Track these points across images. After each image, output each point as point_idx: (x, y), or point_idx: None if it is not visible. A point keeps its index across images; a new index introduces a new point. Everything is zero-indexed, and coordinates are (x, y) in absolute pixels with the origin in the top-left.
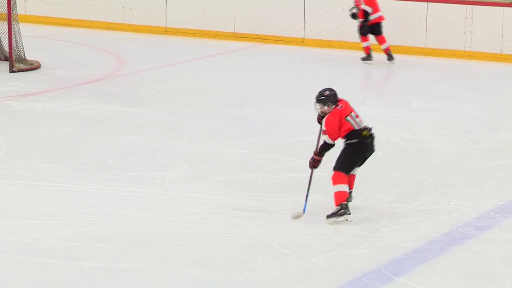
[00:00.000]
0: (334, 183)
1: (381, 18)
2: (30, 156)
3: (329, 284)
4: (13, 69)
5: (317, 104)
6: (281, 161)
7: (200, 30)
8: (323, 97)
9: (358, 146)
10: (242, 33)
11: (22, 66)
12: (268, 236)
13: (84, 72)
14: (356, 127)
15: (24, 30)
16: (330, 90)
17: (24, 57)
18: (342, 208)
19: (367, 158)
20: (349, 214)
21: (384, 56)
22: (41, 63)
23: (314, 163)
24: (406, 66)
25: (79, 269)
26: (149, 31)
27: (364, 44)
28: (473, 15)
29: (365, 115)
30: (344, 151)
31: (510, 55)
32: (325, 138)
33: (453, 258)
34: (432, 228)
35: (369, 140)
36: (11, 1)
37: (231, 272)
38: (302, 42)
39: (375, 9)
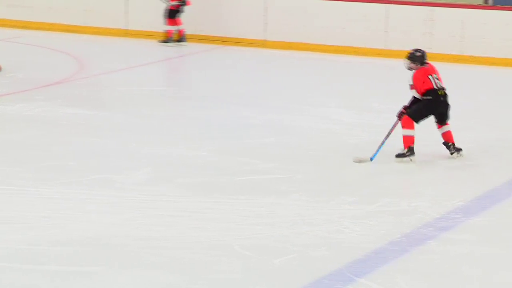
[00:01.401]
0: (403, 127)
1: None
2: None
3: (291, 286)
4: None
5: (406, 60)
6: (244, 163)
7: (161, 33)
8: (413, 56)
9: (432, 102)
10: (204, 35)
11: None
12: (231, 238)
13: (44, 75)
14: (435, 87)
15: None
16: (421, 51)
17: None
18: (409, 150)
19: (444, 114)
20: (414, 155)
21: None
22: (1, 66)
23: (401, 114)
24: (367, 67)
25: (41, 273)
26: (110, 33)
27: (179, 28)
28: (433, 17)
29: (327, 117)
30: (419, 104)
31: (470, 56)
32: (413, 93)
33: (414, 259)
34: (393, 229)
35: (442, 98)
36: None
37: (194, 275)
38: (263, 44)
39: None
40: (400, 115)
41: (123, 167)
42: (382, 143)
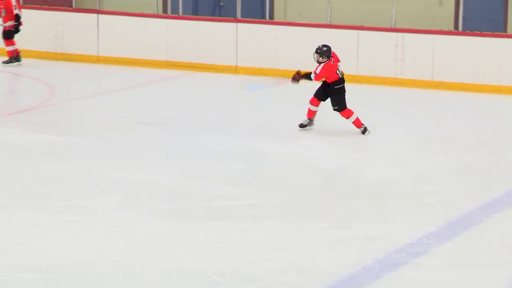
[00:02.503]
0: (347, 117)
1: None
2: None
3: None
4: None
5: (315, 54)
6: (213, 189)
7: (132, 59)
8: (321, 51)
9: (343, 88)
10: (175, 61)
11: None
12: (202, 264)
13: (15, 101)
14: (341, 76)
15: None
16: (327, 47)
17: None
18: (365, 128)
19: None
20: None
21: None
22: None
23: (295, 77)
24: None
25: None
26: (81, 59)
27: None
28: (404, 43)
29: (297, 142)
30: (337, 95)
31: (440, 82)
32: (312, 76)
33: (386, 284)
34: (365, 254)
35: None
36: None
37: None
38: (235, 69)
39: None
40: (294, 78)
41: (94, 193)
42: (265, 85)
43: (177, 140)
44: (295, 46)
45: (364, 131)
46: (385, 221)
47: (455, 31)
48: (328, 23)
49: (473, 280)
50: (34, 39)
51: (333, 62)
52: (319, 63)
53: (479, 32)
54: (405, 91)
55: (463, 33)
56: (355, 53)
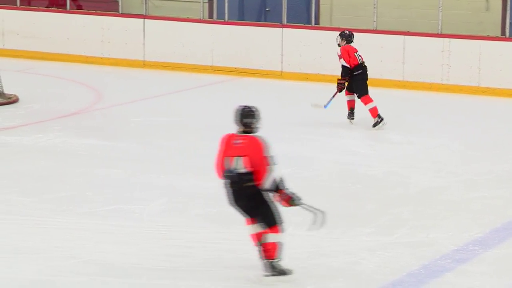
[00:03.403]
0: (366, 103)
1: None
2: (7, 190)
3: None
4: None
5: (338, 36)
6: None
7: (178, 64)
8: (343, 33)
9: (361, 74)
10: (220, 66)
11: (0, 100)
12: (246, 269)
13: (61, 105)
14: (360, 62)
15: (2, 64)
16: (350, 32)
17: (2, 91)
18: (379, 118)
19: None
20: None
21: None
22: (18, 97)
23: (339, 85)
24: (383, 99)
25: None
26: (127, 64)
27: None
28: (450, 48)
29: (342, 148)
30: (357, 82)
31: (487, 88)
32: (341, 61)
33: None
34: (410, 260)
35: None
36: None
37: None
38: (280, 75)
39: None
40: (339, 88)
41: (138, 198)
42: (333, 97)
43: None
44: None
45: (376, 124)
46: (431, 227)
47: (502, 37)
48: (374, 29)
49: None
50: (81, 44)
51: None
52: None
53: None
54: (451, 97)
55: (510, 39)
56: (401, 58)
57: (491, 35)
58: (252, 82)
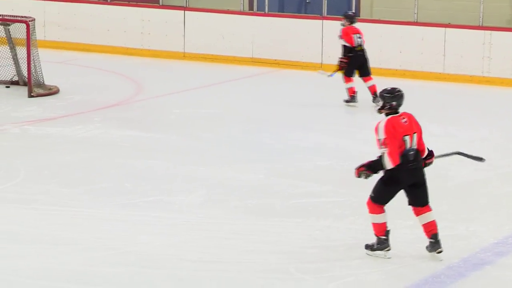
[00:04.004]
0: (346, 82)
1: None
2: (47, 181)
3: None
4: (32, 94)
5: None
6: (298, 186)
7: (218, 56)
8: (346, 13)
9: (352, 57)
10: (260, 58)
11: (41, 91)
12: (286, 261)
13: (101, 97)
14: (356, 44)
15: (43, 55)
16: (354, 13)
17: (43, 82)
18: (353, 98)
19: (363, 66)
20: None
21: None
22: (59, 88)
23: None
24: (424, 91)
25: None
26: (167, 56)
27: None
28: (491, 41)
29: None
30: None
31: None
32: (341, 41)
33: (471, 284)
34: (450, 253)
35: (360, 53)
36: (30, 27)
37: None
38: (320, 67)
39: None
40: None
41: (178, 189)
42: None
43: (262, 137)
44: (381, 44)
45: (347, 101)
46: (471, 220)
47: None
48: (415, 21)
49: None
50: (121, 35)
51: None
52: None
53: None
54: (492, 90)
55: None
56: (441, 51)
57: None
58: (292, 74)
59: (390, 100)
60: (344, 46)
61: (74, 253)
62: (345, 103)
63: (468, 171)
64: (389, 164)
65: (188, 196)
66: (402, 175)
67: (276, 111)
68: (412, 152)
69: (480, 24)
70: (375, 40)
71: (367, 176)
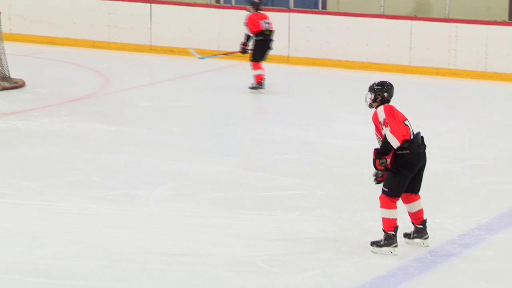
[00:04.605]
0: (254, 69)
1: None
2: (14, 175)
3: None
4: None
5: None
6: (266, 179)
7: (185, 48)
8: (252, 2)
9: (261, 41)
10: (227, 51)
11: (7, 85)
12: (253, 254)
13: (69, 90)
14: (264, 29)
15: (9, 48)
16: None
17: (9, 76)
18: (260, 85)
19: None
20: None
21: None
22: (25, 82)
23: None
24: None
25: None
26: (134, 49)
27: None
28: (457, 33)
29: (350, 133)
30: (256, 49)
31: (494, 73)
32: (246, 30)
33: (438, 275)
34: (417, 245)
35: (269, 37)
36: None
37: None
38: (287, 60)
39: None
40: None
41: (146, 183)
42: (218, 55)
43: (230, 130)
44: (348, 36)
45: (254, 87)
46: (437, 212)
47: (509, 22)
48: (382, 14)
49: None
50: (88, 28)
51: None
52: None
53: None
54: (458, 82)
55: None
56: (408, 43)
57: (498, 20)
58: None
59: (381, 92)
60: (246, 34)
61: (42, 247)
62: (251, 90)
63: (435, 164)
64: (394, 141)
65: (156, 189)
66: (415, 158)
67: (244, 104)
68: (421, 135)
69: (446, 17)
70: (342, 33)
71: (382, 165)
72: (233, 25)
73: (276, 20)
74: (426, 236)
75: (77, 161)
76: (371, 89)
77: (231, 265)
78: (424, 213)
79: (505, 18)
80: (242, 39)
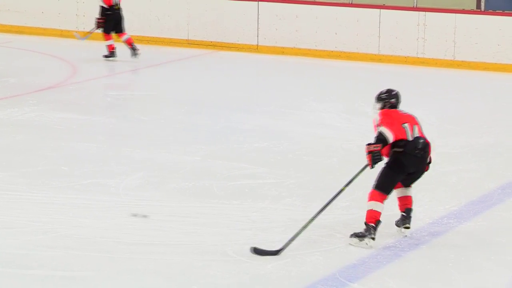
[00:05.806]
0: (105, 39)
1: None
2: None
3: None
4: None
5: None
6: (236, 168)
7: (153, 37)
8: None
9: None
10: (196, 40)
11: None
12: (223, 243)
13: (37, 79)
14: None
15: None
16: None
17: None
18: (113, 54)
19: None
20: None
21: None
22: None
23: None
24: (359, 72)
25: (32, 278)
26: (102, 38)
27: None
28: (426, 22)
29: (319, 122)
30: (108, 21)
31: (462, 61)
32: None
33: (407, 263)
34: (386, 233)
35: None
36: None
37: (186, 280)
38: (256, 49)
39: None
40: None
41: (115, 172)
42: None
43: (199, 119)
44: (316, 25)
45: (107, 56)
46: None
47: (478, 10)
48: (350, 2)
49: (494, 260)
50: (56, 17)
51: None
52: None
53: (501, 12)
54: (427, 71)
55: (486, 13)
56: (376, 32)
57: (466, 8)
58: (228, 56)
59: (388, 99)
60: (102, 7)
61: (10, 237)
62: (105, 58)
63: None
64: (389, 134)
65: (125, 178)
66: (407, 159)
67: (213, 93)
68: (422, 141)
69: (415, 5)
70: (310, 21)
71: (376, 157)
72: (202, 14)
73: (245, 9)
74: (406, 225)
75: (45, 150)
76: (378, 99)
77: (201, 254)
78: (412, 203)
79: (473, 6)
80: (209, 27)
